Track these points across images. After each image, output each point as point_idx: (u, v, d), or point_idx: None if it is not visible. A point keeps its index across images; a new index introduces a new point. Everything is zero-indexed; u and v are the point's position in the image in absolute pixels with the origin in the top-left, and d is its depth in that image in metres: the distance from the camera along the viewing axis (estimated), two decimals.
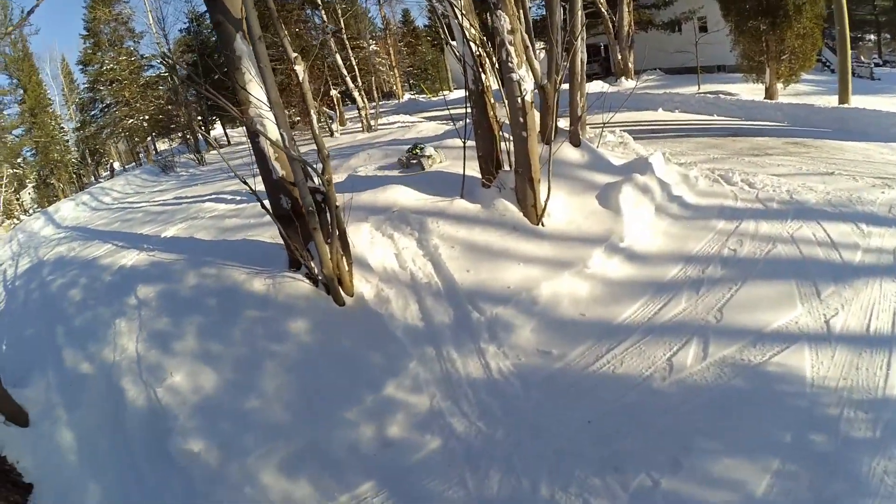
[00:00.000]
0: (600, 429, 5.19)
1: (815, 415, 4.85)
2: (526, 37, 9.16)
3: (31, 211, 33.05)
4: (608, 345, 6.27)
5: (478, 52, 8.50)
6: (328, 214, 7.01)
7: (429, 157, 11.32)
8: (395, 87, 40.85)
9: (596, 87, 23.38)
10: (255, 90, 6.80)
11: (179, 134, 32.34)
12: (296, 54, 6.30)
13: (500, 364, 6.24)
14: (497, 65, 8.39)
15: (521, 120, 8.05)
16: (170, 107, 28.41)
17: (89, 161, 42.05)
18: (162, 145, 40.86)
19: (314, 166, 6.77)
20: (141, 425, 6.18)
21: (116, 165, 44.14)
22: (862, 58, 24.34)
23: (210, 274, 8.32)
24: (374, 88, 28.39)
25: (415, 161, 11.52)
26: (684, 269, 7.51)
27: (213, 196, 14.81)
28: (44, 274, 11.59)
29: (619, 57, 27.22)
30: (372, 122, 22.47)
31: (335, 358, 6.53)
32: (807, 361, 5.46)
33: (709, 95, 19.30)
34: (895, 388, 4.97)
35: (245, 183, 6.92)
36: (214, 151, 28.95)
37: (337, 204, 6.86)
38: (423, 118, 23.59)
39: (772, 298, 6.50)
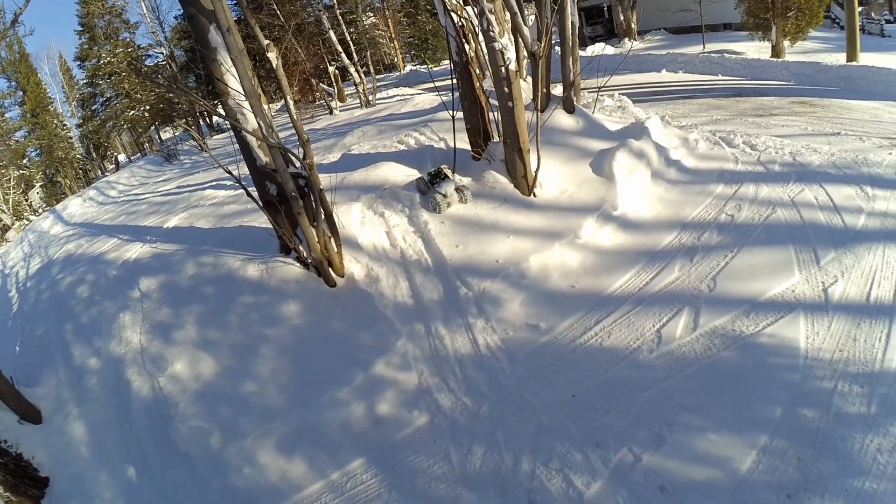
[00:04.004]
0: (584, 403, 5.19)
1: (807, 388, 4.77)
2: (514, 3, 8.96)
3: (39, 210, 33.40)
4: (597, 316, 6.24)
5: (460, 23, 8.32)
6: (312, 198, 7.01)
7: (445, 196, 8.45)
8: (396, 60, 40.33)
9: (598, 49, 22.90)
10: (232, 81, 6.76)
11: (182, 121, 32.40)
12: (268, 42, 6.25)
13: (487, 339, 6.27)
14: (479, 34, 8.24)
15: (507, 90, 7.93)
16: (170, 95, 28.39)
17: (94, 156, 42.25)
18: (166, 134, 40.96)
19: (295, 152, 6.74)
20: (146, 414, 6.37)
21: (122, 158, 44.31)
22: (872, 14, 23.51)
23: (207, 263, 8.43)
24: (369, 63, 27.95)
25: (433, 191, 8.67)
26: (679, 236, 7.42)
27: (214, 183, 14.85)
28: (53, 273, 11.80)
29: (622, 18, 26.53)
30: (370, 97, 22.24)
31: (326, 339, 6.60)
32: (801, 332, 5.36)
33: (713, 55, 18.84)
34: (894, 360, 4.86)
35: (229, 173, 6.94)
36: (218, 136, 29.00)
37: (321, 187, 6.86)
38: (423, 90, 23.33)
39: (768, 266, 6.39)
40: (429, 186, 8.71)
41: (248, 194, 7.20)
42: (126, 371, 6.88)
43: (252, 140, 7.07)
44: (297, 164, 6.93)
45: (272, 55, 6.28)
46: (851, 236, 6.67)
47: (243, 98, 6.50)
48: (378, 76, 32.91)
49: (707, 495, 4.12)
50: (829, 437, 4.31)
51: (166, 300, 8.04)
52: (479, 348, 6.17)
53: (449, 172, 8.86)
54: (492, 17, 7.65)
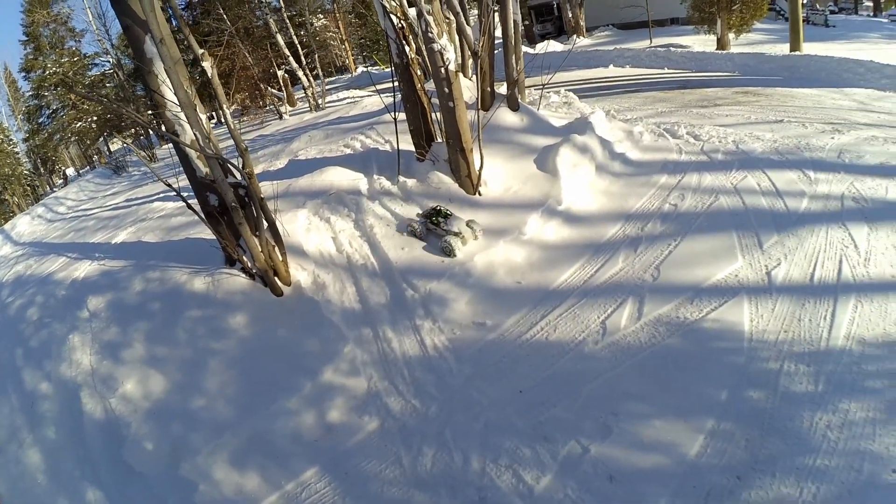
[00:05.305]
0: (531, 398, 5.27)
1: (752, 370, 4.90)
2: (456, 3, 9.04)
3: None
4: (543, 311, 6.33)
5: (399, 25, 8.34)
6: (253, 207, 6.94)
7: (458, 234, 7.60)
8: (347, 61, 39.97)
9: (542, 46, 23.18)
10: (168, 93, 6.62)
11: (132, 131, 31.43)
12: (202, 51, 6.16)
13: (434, 340, 6.30)
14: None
15: (447, 90, 8.00)
16: (117, 104, 27.59)
17: (42, 170, 40.82)
18: (115, 145, 39.72)
19: (234, 162, 6.66)
20: (100, 436, 6.23)
21: (70, 171, 42.74)
22: (817, 5, 24.43)
23: (154, 278, 8.26)
24: (318, 66, 27.66)
25: (436, 233, 7.84)
26: (623, 227, 7.56)
27: (162, 195, 14.48)
28: (3, 296, 11.41)
29: (570, 15, 26.96)
30: (319, 101, 22.02)
31: (274, 349, 6.54)
32: (746, 315, 5.51)
33: (660, 49, 19.33)
34: (839, 338, 5.02)
35: (169, 186, 6.80)
36: (167, 146, 28.29)
37: (262, 195, 6.79)
38: (374, 91, 23.20)
39: (711, 252, 6.56)
40: (428, 229, 7.90)
41: (189, 207, 7.09)
42: (78, 394, 6.72)
43: (191, 151, 6.96)
44: (237, 173, 6.85)
45: (206, 64, 6.19)
46: (794, 220, 6.87)
47: (179, 109, 6.40)
48: (330, 78, 32.62)
49: (656, 482, 4.21)
50: (777, 416, 4.42)
51: (114, 318, 7.87)
52: (427, 349, 6.19)
53: (449, 209, 8.04)
54: (430, 19, 7.70)
